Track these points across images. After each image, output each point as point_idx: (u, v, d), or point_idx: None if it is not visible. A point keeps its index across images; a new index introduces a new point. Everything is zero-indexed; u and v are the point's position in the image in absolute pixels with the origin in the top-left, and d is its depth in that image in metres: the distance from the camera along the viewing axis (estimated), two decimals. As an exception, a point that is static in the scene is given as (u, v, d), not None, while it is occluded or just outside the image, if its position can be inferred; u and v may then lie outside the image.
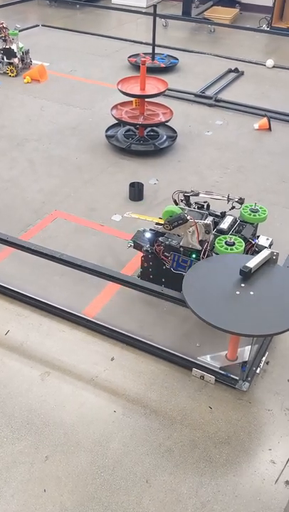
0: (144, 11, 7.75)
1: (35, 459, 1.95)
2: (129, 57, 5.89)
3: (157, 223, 2.67)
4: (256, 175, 3.87)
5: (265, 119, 4.53)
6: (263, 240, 2.64)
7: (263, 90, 5.37)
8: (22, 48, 5.49)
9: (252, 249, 2.58)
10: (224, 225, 2.60)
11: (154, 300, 2.50)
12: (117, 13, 7.90)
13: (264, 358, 2.35)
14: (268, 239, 2.65)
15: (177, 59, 5.93)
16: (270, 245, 2.61)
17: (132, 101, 4.17)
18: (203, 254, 2.47)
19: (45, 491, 1.84)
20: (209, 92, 5.19)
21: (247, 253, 2.54)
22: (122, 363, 2.35)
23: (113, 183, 3.72)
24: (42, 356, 2.36)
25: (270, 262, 2.30)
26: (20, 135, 4.30)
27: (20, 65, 5.48)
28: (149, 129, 4.21)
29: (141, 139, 4.14)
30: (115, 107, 4.22)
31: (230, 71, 5.76)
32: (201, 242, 2.48)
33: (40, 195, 3.55)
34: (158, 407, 2.16)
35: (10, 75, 5.43)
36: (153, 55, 5.79)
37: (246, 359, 2.29)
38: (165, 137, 4.21)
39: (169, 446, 2.01)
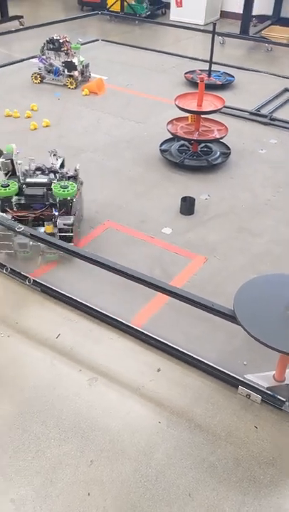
0: (201, 28, 7.85)
1: (81, 462, 1.99)
2: (186, 73, 5.98)
3: None
4: (310, 195, 3.84)
5: None
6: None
7: None
8: (83, 61, 5.67)
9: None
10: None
11: (202, 314, 2.51)
12: (174, 30, 8.03)
13: (312, 381, 2.32)
14: None
15: (233, 76, 5.97)
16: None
17: (187, 116, 4.23)
18: None
19: (89, 494, 1.88)
20: (264, 111, 5.19)
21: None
22: (168, 375, 2.37)
23: (165, 196, 3.77)
24: (90, 362, 2.42)
25: None
26: (76, 146, 4.43)
27: (79, 78, 5.66)
28: (202, 144, 4.25)
29: (194, 154, 4.18)
30: (171, 122, 4.28)
31: (286, 90, 5.74)
32: None
33: (93, 205, 3.64)
34: (202, 422, 2.16)
35: (69, 87, 5.61)
36: (209, 71, 5.85)
37: (294, 381, 2.26)
38: (218, 153, 4.23)
39: (213, 462, 2.01)
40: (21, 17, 7.90)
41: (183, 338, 2.55)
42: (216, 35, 5.78)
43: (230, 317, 2.24)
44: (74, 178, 3.18)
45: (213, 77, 5.87)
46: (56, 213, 2.97)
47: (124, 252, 3.16)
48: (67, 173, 3.16)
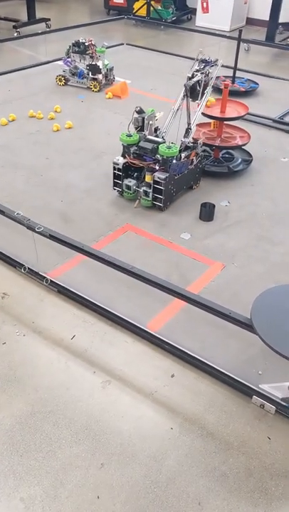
0: (227, 34, 7.84)
1: (91, 464, 1.98)
2: (210, 79, 5.96)
3: None
4: None
5: None
6: None
7: None
8: (107, 64, 5.71)
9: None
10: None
11: (218, 321, 2.49)
12: (200, 36, 8.02)
13: None
14: None
15: (257, 83, 5.94)
16: None
17: (210, 122, 4.22)
18: None
19: (98, 497, 1.87)
20: (288, 119, 5.15)
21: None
22: (181, 381, 2.35)
23: (184, 201, 3.76)
24: (104, 364, 2.41)
25: None
26: (98, 148, 4.45)
27: (103, 81, 5.69)
28: (224, 151, 4.23)
29: (215, 160, 4.17)
30: (193, 127, 4.27)
31: (310, 99, 5.70)
32: None
33: (113, 207, 3.65)
34: (215, 430, 2.14)
35: (93, 90, 5.65)
36: (233, 78, 5.83)
37: (310, 393, 2.23)
38: (240, 160, 4.21)
39: (224, 471, 1.99)
40: (48, 20, 7.99)
41: (198, 345, 2.53)
42: (241, 42, 5.76)
43: (247, 326, 2.22)
44: (190, 148, 3.64)
45: (237, 84, 5.85)
46: (157, 167, 3.46)
47: (142, 256, 3.16)
48: (189, 142, 3.67)
